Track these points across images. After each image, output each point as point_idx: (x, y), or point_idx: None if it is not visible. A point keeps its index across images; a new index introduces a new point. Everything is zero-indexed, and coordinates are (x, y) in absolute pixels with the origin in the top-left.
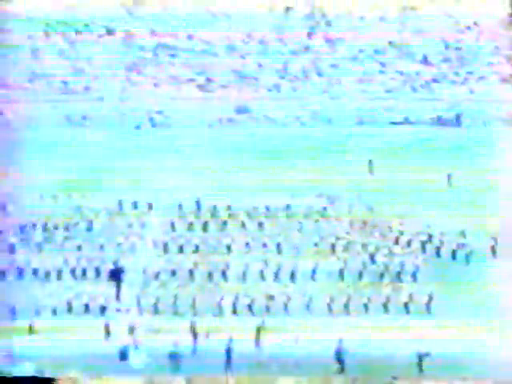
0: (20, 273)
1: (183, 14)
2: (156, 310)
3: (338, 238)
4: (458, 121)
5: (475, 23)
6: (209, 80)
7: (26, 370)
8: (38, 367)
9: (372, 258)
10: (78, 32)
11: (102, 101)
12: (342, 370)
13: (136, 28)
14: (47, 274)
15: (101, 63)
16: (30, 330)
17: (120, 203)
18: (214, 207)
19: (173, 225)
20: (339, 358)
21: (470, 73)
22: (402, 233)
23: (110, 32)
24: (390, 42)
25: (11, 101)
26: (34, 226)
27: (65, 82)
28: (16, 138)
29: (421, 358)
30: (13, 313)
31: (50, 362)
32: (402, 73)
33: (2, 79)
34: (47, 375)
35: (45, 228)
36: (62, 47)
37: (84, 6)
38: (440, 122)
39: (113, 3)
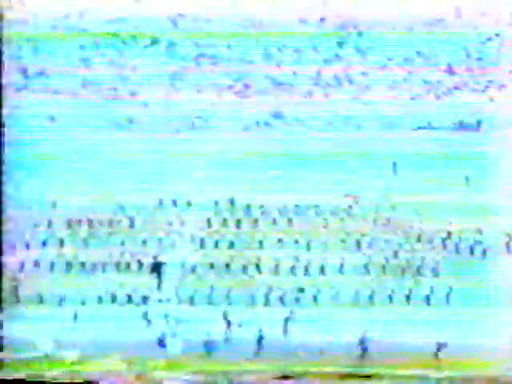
0: (68, 265)
1: (223, 24)
2: (193, 301)
3: (363, 235)
4: (478, 126)
5: (497, 34)
6: (246, 86)
7: (71, 355)
8: (81, 352)
9: (395, 253)
10: (125, 43)
11: (147, 106)
12: (364, 355)
13: (179, 38)
14: (93, 267)
15: (146, 71)
16: (75, 317)
17: (160, 201)
18: (248, 205)
19: (209, 221)
20: (363, 344)
21: (490, 81)
22: (422, 230)
23: (154, 42)
24: (418, 52)
25: (63, 105)
26: (80, 221)
27: (114, 89)
28: (65, 141)
29: (439, 347)
30: (60, 302)
31: (93, 348)
32: (426, 81)
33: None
34: (90, 360)
35: (90, 224)
36: (111, 57)
37: (131, 19)
38: (461, 127)
39: (158, 16)
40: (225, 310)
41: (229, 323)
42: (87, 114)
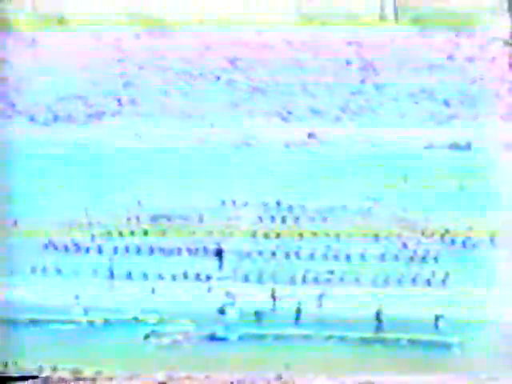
0: (151, 250)
1: (271, 65)
2: (246, 279)
3: (380, 231)
4: (469, 147)
5: (481, 78)
6: (288, 113)
7: (153, 318)
8: (160, 316)
9: (405, 245)
10: (195, 78)
11: (213, 127)
12: (380, 327)
13: (237, 75)
14: (170, 252)
15: (212, 100)
16: (153, 291)
17: (223, 202)
18: (290, 206)
19: (260, 218)
20: (379, 316)
21: (477, 112)
22: (426, 227)
23: (218, 79)
24: (422, 89)
25: (149, 124)
26: (160, 216)
27: (188, 116)
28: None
29: (437, 318)
30: (144, 278)
31: (169, 313)
32: (428, 111)
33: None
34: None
35: (169, 218)
36: (183, 90)
37: (200, 62)
38: (455, 147)
39: (220, 58)
40: (271, 287)
41: (274, 298)
42: (169, 134)
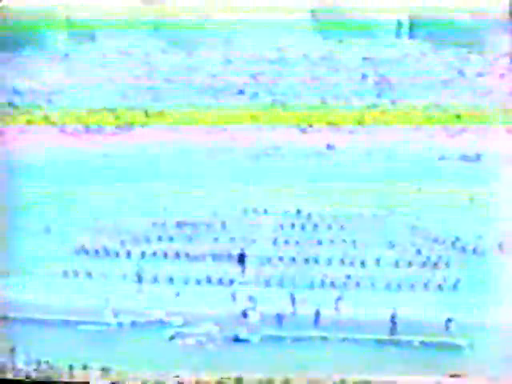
0: (177, 255)
1: (291, 80)
2: (268, 284)
3: (394, 237)
4: (478, 158)
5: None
6: (310, 126)
7: (177, 321)
8: (184, 318)
9: (418, 251)
10: (219, 91)
11: (235, 139)
12: (394, 327)
13: (258, 90)
14: (195, 257)
15: (234, 113)
16: (178, 294)
17: (245, 209)
18: (309, 214)
19: (281, 226)
20: (393, 319)
21: (486, 127)
22: (439, 234)
23: (240, 93)
24: (436, 104)
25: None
26: (185, 223)
27: (213, 127)
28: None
29: (448, 321)
30: (169, 282)
31: (193, 316)
32: (440, 125)
33: None
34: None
35: (193, 225)
36: (210, 103)
37: (224, 75)
38: (466, 158)
39: (244, 73)
40: (291, 291)
41: (294, 301)
42: (194, 144)
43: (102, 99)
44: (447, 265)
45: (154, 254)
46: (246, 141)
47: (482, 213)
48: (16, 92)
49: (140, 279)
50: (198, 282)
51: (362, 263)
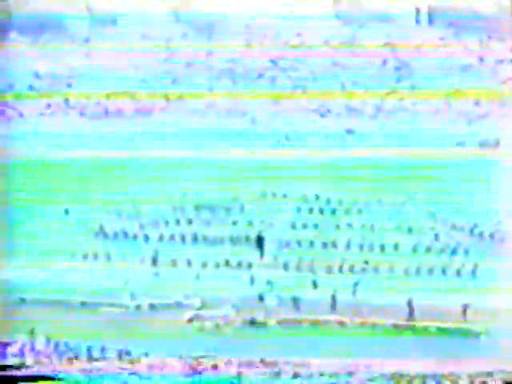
0: (195, 239)
1: (311, 65)
2: (286, 267)
3: (413, 224)
4: (497, 144)
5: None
6: (328, 110)
7: (196, 302)
8: (202, 301)
9: (436, 238)
10: (240, 76)
11: (255, 123)
12: (411, 314)
13: (278, 74)
14: (213, 241)
15: (254, 96)
16: (197, 277)
17: (263, 193)
18: (328, 199)
19: (299, 209)
20: (410, 304)
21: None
22: (456, 221)
23: (260, 77)
24: (455, 88)
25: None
26: (204, 206)
27: (232, 112)
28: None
29: (465, 307)
30: (188, 264)
31: (212, 298)
32: (460, 111)
33: None
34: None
35: (212, 208)
36: (229, 88)
37: (243, 61)
38: (485, 143)
39: (263, 58)
40: (309, 275)
41: (316, 285)
42: (212, 128)
43: (122, 83)
44: (465, 251)
45: (173, 237)
46: (266, 125)
47: (500, 199)
48: (37, 76)
49: (158, 262)
50: (217, 266)
51: (381, 248)
